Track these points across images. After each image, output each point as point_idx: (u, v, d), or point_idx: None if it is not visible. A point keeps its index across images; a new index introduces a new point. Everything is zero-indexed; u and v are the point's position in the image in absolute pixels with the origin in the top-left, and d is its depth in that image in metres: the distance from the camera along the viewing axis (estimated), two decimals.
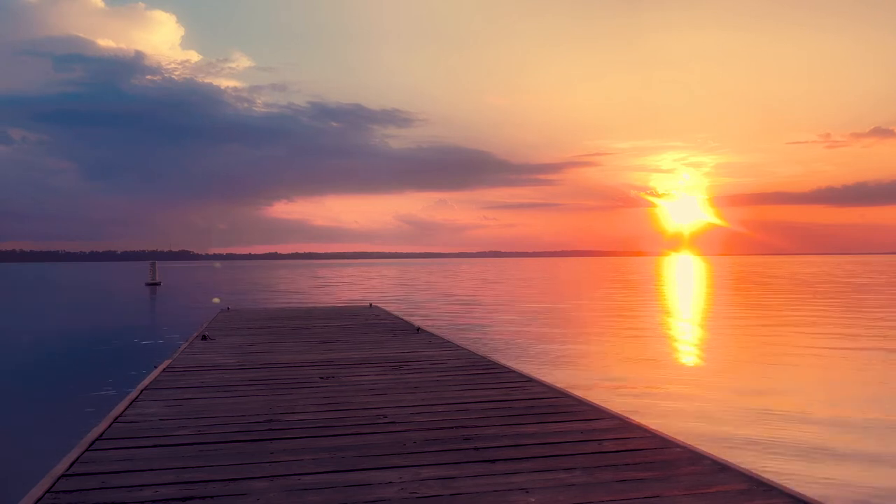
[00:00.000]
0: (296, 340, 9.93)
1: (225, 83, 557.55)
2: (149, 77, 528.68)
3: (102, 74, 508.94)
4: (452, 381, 6.47)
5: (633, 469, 3.70)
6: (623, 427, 4.59)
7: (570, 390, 6.00)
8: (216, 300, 28.74)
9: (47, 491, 3.42)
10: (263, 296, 36.98)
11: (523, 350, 13.81)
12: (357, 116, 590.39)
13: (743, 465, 3.79)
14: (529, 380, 6.44)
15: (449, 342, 9.51)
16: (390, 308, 17.70)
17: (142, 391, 6.06)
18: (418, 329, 11.07)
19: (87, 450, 4.14)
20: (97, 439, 4.39)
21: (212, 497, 3.33)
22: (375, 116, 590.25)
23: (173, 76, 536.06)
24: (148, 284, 51.53)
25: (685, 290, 39.26)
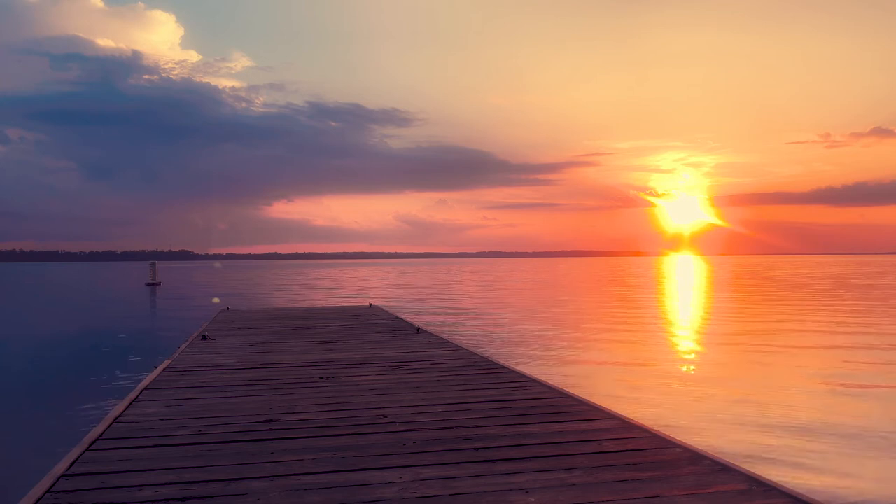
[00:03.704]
0: (296, 340, 9.92)
1: (223, 83, 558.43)
2: (146, 77, 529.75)
3: (99, 74, 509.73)
4: (453, 381, 6.46)
5: (633, 469, 3.70)
6: (623, 427, 4.58)
7: (570, 390, 6.00)
8: (216, 300, 28.74)
9: (47, 491, 3.42)
10: (263, 297, 36.97)
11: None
12: (356, 116, 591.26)
13: (743, 466, 3.79)
14: (530, 380, 6.44)
15: (449, 342, 9.51)
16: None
17: (142, 391, 6.06)
18: (418, 329, 11.06)
19: (87, 450, 4.13)
20: (97, 439, 4.39)
21: (212, 497, 3.33)
22: (375, 116, 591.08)
23: (171, 76, 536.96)
24: (148, 284, 51.54)
25: (695, 295, 38.97)
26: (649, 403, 8.83)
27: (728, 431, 7.45)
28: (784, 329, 17.79)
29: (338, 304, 22.55)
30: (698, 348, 14.87)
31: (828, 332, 17.17)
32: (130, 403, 5.53)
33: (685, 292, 37.96)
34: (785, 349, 14.03)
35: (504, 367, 7.23)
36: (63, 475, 3.66)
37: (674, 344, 15.70)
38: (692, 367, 12.24)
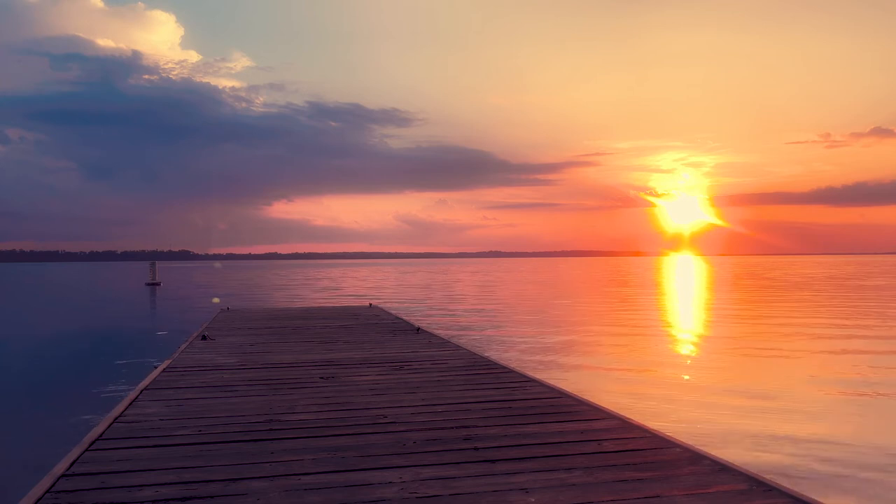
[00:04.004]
0: (296, 340, 9.92)
1: (223, 83, 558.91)
2: (146, 77, 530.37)
3: (99, 74, 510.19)
4: (453, 381, 6.47)
5: (633, 469, 3.70)
6: (623, 427, 4.58)
7: (570, 390, 6.00)
8: (216, 300, 28.74)
9: (47, 491, 3.42)
10: (263, 297, 36.96)
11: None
12: (356, 116, 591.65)
13: (743, 466, 3.79)
14: (530, 380, 6.44)
15: (449, 342, 9.51)
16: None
17: (142, 391, 6.06)
18: (418, 329, 11.06)
19: (87, 450, 4.14)
20: (97, 439, 4.39)
21: (212, 497, 3.33)
22: (374, 116, 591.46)
23: (171, 76, 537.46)
24: (148, 284, 51.53)
25: (697, 296, 38.81)
26: (650, 412, 8.58)
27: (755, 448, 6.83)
28: (792, 332, 17.77)
29: (338, 305, 22.55)
30: (705, 352, 14.69)
31: (829, 336, 17.12)
32: (130, 403, 5.53)
33: (687, 293, 37.96)
34: (797, 353, 13.54)
35: (504, 367, 7.23)
36: (63, 475, 3.66)
37: (682, 348, 15.65)
38: (699, 373, 11.91)
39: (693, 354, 14.10)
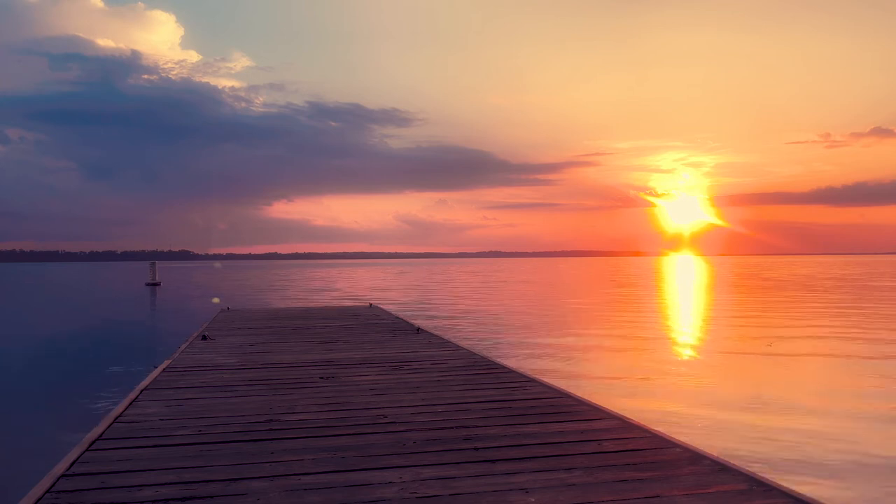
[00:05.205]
0: (296, 340, 9.92)
1: (223, 83, 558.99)
2: (145, 77, 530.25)
3: (99, 74, 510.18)
4: (453, 381, 6.46)
5: (633, 469, 3.70)
6: (623, 427, 4.58)
7: (571, 390, 5.99)
8: (216, 300, 28.74)
9: (47, 491, 3.42)
10: (263, 297, 36.95)
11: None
12: (356, 116, 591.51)
13: (743, 466, 3.79)
14: (530, 380, 6.44)
15: (449, 342, 9.50)
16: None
17: (142, 391, 6.06)
18: (418, 329, 11.06)
19: (87, 450, 4.13)
20: (97, 439, 4.39)
21: (212, 497, 3.33)
22: (374, 116, 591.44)
23: (170, 76, 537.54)
24: (148, 284, 51.52)
25: (701, 297, 38.68)
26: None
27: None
28: (806, 336, 17.74)
29: (337, 305, 22.53)
30: (717, 358, 14.49)
31: (832, 347, 17.04)
32: (130, 403, 5.53)
33: (690, 294, 37.92)
34: (824, 359, 12.99)
35: (504, 367, 7.22)
36: (63, 475, 3.66)
37: (695, 355, 15.61)
38: (711, 382, 11.05)
39: (716, 361, 13.98)
